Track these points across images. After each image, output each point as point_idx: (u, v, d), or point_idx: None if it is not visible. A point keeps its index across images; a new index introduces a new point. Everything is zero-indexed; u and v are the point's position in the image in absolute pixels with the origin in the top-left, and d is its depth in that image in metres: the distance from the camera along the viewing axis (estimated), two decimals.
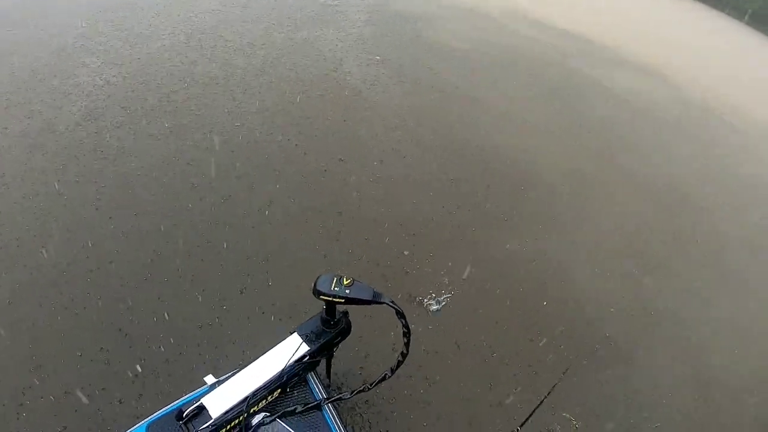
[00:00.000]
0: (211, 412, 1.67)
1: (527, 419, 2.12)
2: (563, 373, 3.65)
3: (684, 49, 14.21)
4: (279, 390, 1.85)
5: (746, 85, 12.73)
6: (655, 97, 9.50)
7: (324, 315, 1.93)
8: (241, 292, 3.64)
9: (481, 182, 5.58)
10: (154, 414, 1.88)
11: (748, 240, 6.29)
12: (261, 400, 1.78)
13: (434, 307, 3.81)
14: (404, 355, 1.91)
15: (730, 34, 20.39)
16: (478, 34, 9.94)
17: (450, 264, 4.32)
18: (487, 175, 5.74)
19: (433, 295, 3.96)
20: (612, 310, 4.46)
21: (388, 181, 5.16)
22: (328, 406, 1.95)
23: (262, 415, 1.79)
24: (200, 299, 3.52)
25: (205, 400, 1.70)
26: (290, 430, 1.84)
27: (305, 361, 1.89)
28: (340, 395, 1.94)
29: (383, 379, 1.95)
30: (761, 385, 4.26)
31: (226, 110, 5.64)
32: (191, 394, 1.93)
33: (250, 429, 1.76)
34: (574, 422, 3.40)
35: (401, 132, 6.04)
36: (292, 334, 1.95)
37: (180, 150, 4.86)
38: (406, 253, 4.33)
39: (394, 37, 8.77)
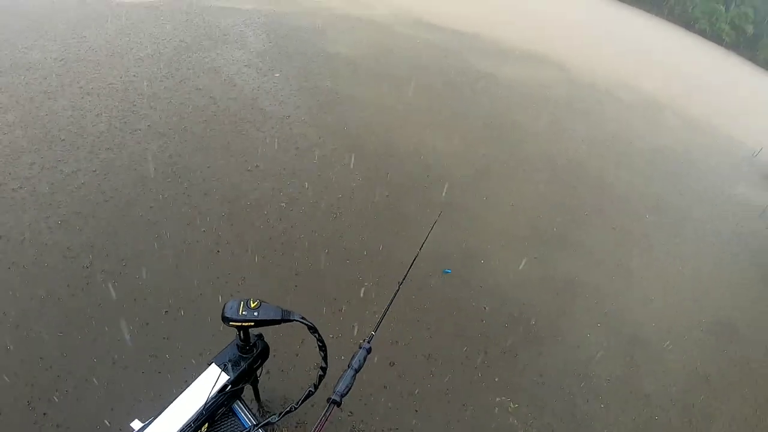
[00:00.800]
0: None
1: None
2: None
3: (563, 30, 15.00)
4: (206, 424, 1.78)
5: (629, 59, 13.65)
6: (546, 80, 10.00)
7: (239, 341, 1.89)
8: None
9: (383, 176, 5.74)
10: None
11: (652, 206, 6.81)
12: None
13: None
14: (324, 369, 1.88)
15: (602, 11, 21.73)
16: (370, 41, 10.09)
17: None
18: (388, 169, 5.88)
19: None
20: (524, 285, 4.69)
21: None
22: None
23: None
24: None
25: None
26: None
27: (228, 391, 1.85)
28: (268, 419, 1.86)
29: (308, 395, 1.88)
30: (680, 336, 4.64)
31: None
32: None
33: None
34: (512, 405, 3.55)
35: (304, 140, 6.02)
36: (210, 365, 1.89)
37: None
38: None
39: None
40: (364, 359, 1.71)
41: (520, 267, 4.95)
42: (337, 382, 1.58)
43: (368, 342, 1.76)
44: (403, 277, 2.08)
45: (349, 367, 1.65)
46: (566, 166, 7.21)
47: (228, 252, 4.16)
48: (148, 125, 5.57)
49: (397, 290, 2.00)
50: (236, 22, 10.42)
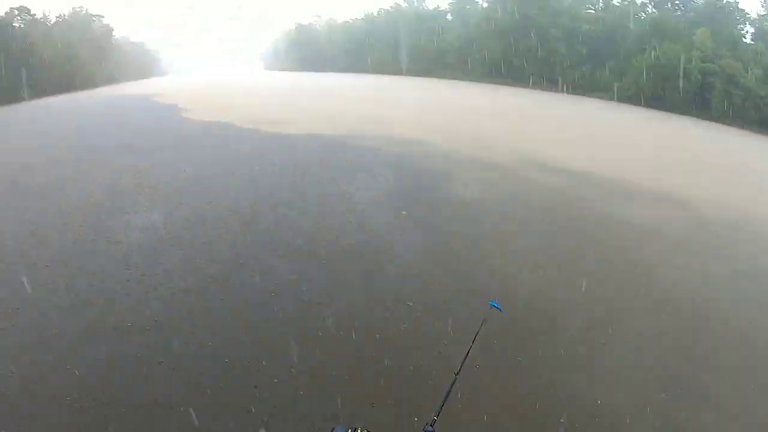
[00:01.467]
0: None
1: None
2: None
3: (691, 166, 14.51)
4: None
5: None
6: (668, 218, 9.59)
7: None
8: None
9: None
10: None
11: None
12: None
13: None
14: None
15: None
16: (494, 184, 10.49)
17: None
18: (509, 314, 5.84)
19: None
20: None
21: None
22: None
23: None
24: None
25: None
26: None
27: None
28: None
29: None
30: None
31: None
32: None
33: None
34: None
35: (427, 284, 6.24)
36: None
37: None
38: None
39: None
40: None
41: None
42: None
43: (431, 425, 1.92)
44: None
45: None
46: (691, 309, 6.70)
47: None
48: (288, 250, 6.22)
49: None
50: (367, 161, 11.50)
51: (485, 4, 79.14)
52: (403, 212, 8.35)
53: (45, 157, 11.67)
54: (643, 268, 7.47)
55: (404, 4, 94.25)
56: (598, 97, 53.43)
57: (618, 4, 66.99)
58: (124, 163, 11.75)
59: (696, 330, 6.25)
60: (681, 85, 37.62)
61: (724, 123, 30.25)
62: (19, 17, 79.41)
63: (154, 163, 11.82)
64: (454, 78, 71.85)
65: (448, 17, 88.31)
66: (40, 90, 69.82)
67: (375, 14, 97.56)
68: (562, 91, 58.05)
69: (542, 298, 6.41)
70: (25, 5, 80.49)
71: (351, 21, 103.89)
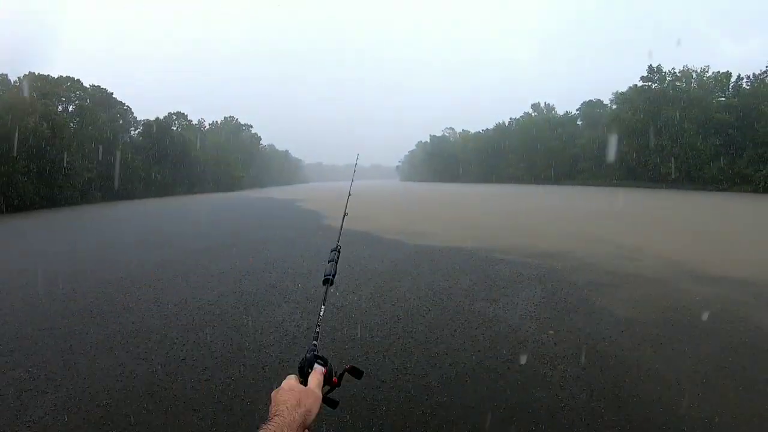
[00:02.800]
0: None
1: None
2: None
3: None
4: None
5: None
6: None
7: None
8: None
9: None
10: None
11: None
12: None
13: None
14: None
15: None
16: (645, 299, 10.08)
17: None
18: None
19: None
20: None
21: None
22: None
23: None
24: None
25: None
26: None
27: None
28: None
29: None
30: None
31: None
32: None
33: None
34: None
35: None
36: None
37: None
38: None
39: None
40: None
41: None
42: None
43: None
44: None
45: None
46: None
47: None
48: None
49: None
50: (512, 273, 11.69)
51: (614, 106, 78.48)
52: (550, 331, 8.25)
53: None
54: None
55: (534, 113, 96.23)
56: (740, 190, 49.18)
57: (748, 88, 62.65)
58: (277, 267, 13.19)
59: None
60: None
61: None
62: (176, 121, 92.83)
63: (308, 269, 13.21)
64: (586, 183, 70.62)
65: (578, 123, 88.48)
66: (191, 187, 79.46)
67: (506, 124, 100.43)
68: (700, 187, 54.29)
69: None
70: (182, 111, 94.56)
71: (483, 132, 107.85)
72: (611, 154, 66.72)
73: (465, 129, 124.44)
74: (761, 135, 52.91)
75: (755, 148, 53.09)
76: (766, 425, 5.44)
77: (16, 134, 40.77)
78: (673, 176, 59.17)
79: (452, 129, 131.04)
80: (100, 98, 72.52)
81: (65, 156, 47.42)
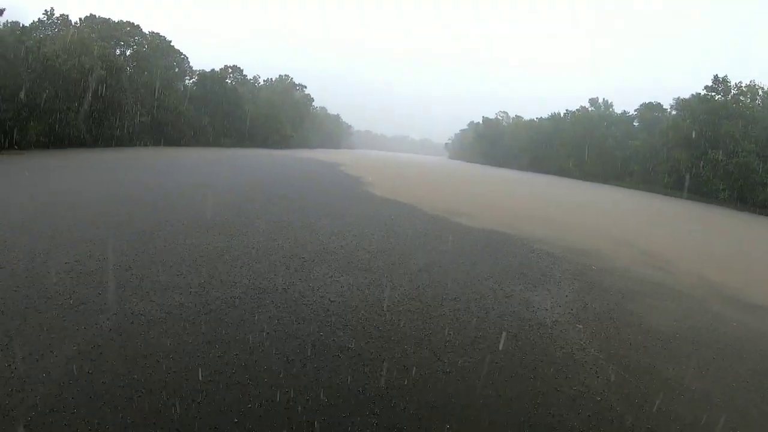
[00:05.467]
0: None
1: None
2: None
3: None
4: None
5: None
6: None
7: None
8: None
9: None
10: None
11: None
12: None
13: None
14: None
15: None
16: (683, 314, 10.04)
17: None
18: None
19: None
20: None
21: None
22: None
23: None
24: None
25: None
26: None
27: None
28: None
29: None
30: None
31: None
32: None
33: None
34: None
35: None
36: None
37: None
38: None
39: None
40: None
41: None
42: None
43: None
44: None
45: None
46: None
47: None
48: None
49: None
50: (544, 268, 11.80)
51: (674, 112, 75.01)
52: (579, 325, 8.45)
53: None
54: None
55: (591, 108, 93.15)
56: None
57: None
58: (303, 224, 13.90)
59: None
60: None
61: None
62: (231, 75, 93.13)
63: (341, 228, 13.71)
64: (637, 187, 68.40)
65: (635, 123, 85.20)
66: (240, 140, 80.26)
67: (561, 115, 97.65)
68: (751, 209, 51.79)
69: None
70: (237, 65, 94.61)
71: (537, 120, 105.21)
72: (664, 161, 64.36)
73: (518, 115, 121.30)
74: None
75: None
76: None
77: (74, 74, 41.51)
78: (724, 194, 56.74)
79: (506, 113, 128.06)
80: (158, 45, 72.80)
81: (119, 98, 48.32)
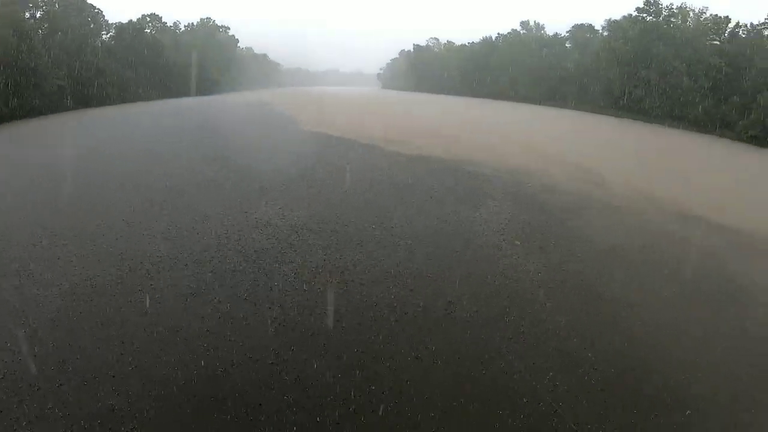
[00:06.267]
0: None
1: None
2: None
3: None
4: None
5: None
6: None
7: None
8: None
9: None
10: None
11: None
12: None
13: None
14: None
15: None
16: (619, 227, 9.79)
17: None
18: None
19: None
20: None
21: None
22: None
23: None
24: None
25: None
26: None
27: None
28: None
29: None
30: None
31: None
32: None
33: None
34: None
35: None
36: None
37: None
38: None
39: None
40: None
41: None
42: None
43: None
44: None
45: None
46: None
47: None
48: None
49: None
50: (482, 186, 11.21)
51: (606, 33, 75.54)
52: (516, 242, 8.24)
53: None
54: None
55: (523, 31, 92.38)
56: (722, 135, 48.99)
57: (744, 36, 60.85)
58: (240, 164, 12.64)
59: None
60: None
61: None
62: (150, 24, 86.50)
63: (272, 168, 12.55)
64: (570, 107, 69.28)
65: (567, 45, 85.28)
66: (165, 91, 74.97)
67: (493, 39, 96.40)
68: (682, 126, 53.90)
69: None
70: (156, 13, 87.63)
71: (468, 45, 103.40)
72: (597, 81, 65.14)
73: (450, 41, 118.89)
74: (749, 85, 52.04)
75: (741, 97, 52.44)
76: None
77: None
78: (656, 112, 58.40)
79: (437, 39, 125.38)
80: (70, 3, 66.00)
81: (35, 64, 43.48)
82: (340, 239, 7.77)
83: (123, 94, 62.36)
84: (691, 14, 65.47)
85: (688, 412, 5.01)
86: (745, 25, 60.81)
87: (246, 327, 5.52)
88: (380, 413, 4.44)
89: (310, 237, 7.80)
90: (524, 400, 4.90)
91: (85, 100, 52.04)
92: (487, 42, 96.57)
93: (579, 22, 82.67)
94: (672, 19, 65.59)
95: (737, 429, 4.99)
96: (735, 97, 52.83)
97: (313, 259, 7.04)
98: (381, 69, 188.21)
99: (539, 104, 74.63)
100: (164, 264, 6.82)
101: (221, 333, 5.36)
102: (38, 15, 60.09)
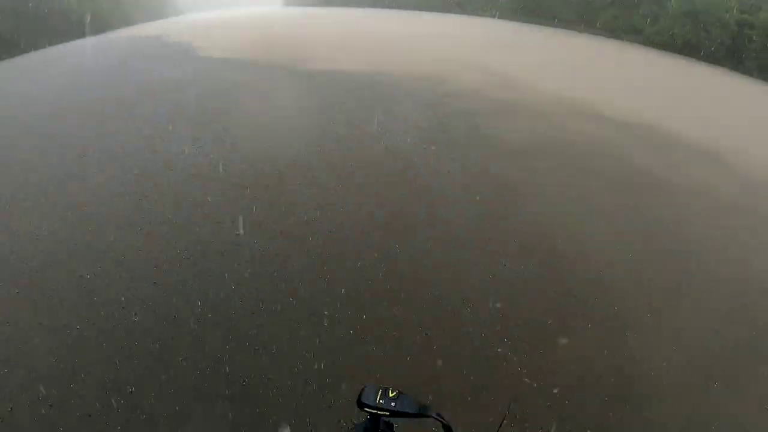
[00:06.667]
0: None
1: None
2: None
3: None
4: None
5: None
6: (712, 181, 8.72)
7: (367, 425, 1.78)
8: None
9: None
10: None
11: None
12: None
13: None
14: None
15: None
16: (537, 130, 9.75)
17: None
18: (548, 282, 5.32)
19: None
20: None
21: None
22: None
23: None
24: None
25: None
26: None
27: None
28: None
29: None
30: None
31: None
32: None
33: None
34: None
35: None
36: None
37: None
38: None
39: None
40: None
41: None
42: None
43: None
44: None
45: None
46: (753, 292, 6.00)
47: None
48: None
49: None
50: (394, 93, 10.76)
51: None
52: (433, 146, 8.19)
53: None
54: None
55: None
56: (632, 41, 50.27)
57: None
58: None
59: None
60: (716, 34, 34.93)
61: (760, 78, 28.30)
62: None
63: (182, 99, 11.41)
64: (475, 14, 67.84)
65: None
66: (57, 35, 66.65)
67: None
68: (600, 33, 54.91)
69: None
70: None
71: None
72: None
73: None
74: None
75: (649, 4, 53.85)
76: None
77: None
78: (561, 16, 58.77)
79: None
80: None
81: None
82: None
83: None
84: None
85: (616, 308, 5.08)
86: None
87: None
88: None
89: None
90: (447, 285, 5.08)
91: None
92: None
93: None
94: None
95: (653, 314, 5.11)
96: (644, 3, 54.39)
97: None
98: None
99: (440, 12, 72.37)
100: None
101: None
102: None
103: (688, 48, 36.26)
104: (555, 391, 4.05)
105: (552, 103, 12.10)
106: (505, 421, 2.38)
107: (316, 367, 4.11)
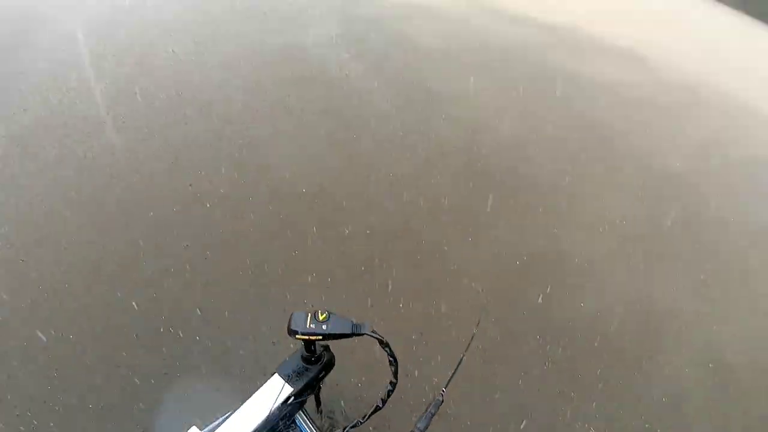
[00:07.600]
0: None
1: None
2: None
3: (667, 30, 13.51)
4: None
5: (734, 68, 12.12)
6: (628, 80, 9.04)
7: (304, 353, 1.81)
8: None
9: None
10: None
11: (746, 224, 5.89)
12: None
13: None
14: (394, 384, 1.78)
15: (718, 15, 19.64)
16: (446, 30, 9.62)
17: None
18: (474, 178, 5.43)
19: None
20: None
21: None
22: None
23: None
24: None
25: None
26: None
27: (290, 402, 1.78)
28: None
29: (375, 410, 1.81)
30: None
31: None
32: None
33: None
34: None
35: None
36: (272, 375, 1.81)
37: None
38: None
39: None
40: (430, 420, 1.56)
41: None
42: None
43: (436, 406, 1.55)
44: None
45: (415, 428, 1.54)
46: (659, 177, 6.39)
47: None
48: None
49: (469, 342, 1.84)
50: (305, 7, 10.26)
51: None
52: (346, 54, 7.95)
53: None
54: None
55: None
56: None
57: None
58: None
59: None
60: None
61: None
62: None
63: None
64: None
65: None
66: None
67: None
68: None
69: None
70: None
71: None
72: None
73: None
74: None
75: None
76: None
77: None
78: None
79: None
80: None
81: None
82: None
83: None
84: None
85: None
86: None
87: None
88: None
89: None
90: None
91: None
92: None
93: None
94: None
95: (568, 198, 5.36)
96: None
97: None
98: None
99: None
100: None
101: None
102: None
103: None
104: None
105: (468, 5, 11.74)
106: (473, 340, 2.46)
107: None
